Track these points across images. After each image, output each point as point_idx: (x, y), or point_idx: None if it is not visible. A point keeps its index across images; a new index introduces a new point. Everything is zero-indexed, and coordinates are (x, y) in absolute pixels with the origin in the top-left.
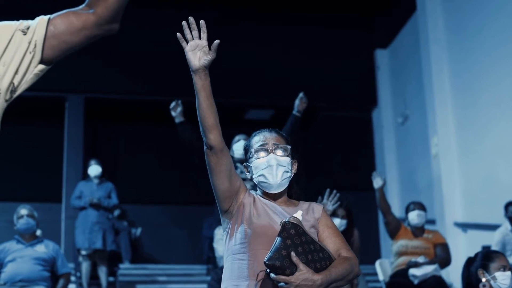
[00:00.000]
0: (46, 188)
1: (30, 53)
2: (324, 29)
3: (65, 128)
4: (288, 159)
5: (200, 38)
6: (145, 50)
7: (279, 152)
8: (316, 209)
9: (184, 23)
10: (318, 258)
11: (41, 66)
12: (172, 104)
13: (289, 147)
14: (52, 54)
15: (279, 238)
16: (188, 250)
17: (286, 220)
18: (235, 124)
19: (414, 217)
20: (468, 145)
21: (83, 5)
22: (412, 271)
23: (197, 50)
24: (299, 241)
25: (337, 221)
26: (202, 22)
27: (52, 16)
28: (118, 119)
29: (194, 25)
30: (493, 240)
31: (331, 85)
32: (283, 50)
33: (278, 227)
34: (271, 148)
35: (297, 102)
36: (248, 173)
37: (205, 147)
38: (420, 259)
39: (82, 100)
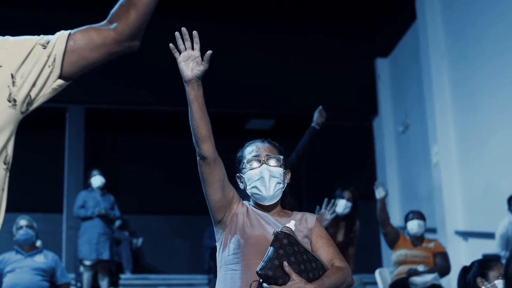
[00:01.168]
0: (47, 198)
1: (49, 67)
2: (325, 38)
3: (66, 139)
4: (280, 170)
5: (192, 48)
6: (146, 60)
7: (272, 162)
8: (310, 219)
9: (177, 33)
10: (311, 267)
11: (60, 81)
12: None
13: (281, 157)
14: (71, 69)
15: (271, 248)
16: (189, 260)
17: (279, 230)
18: (236, 133)
19: (413, 226)
20: (469, 153)
21: (105, 21)
22: (412, 279)
23: (190, 61)
24: (291, 251)
25: (342, 202)
26: (194, 32)
27: (72, 31)
28: (118, 130)
29: (187, 36)
30: (496, 231)
31: (332, 94)
32: (284, 59)
33: (271, 238)
34: (263, 159)
35: (316, 114)
36: (241, 184)
37: (198, 158)
38: (420, 268)
39: (83, 110)
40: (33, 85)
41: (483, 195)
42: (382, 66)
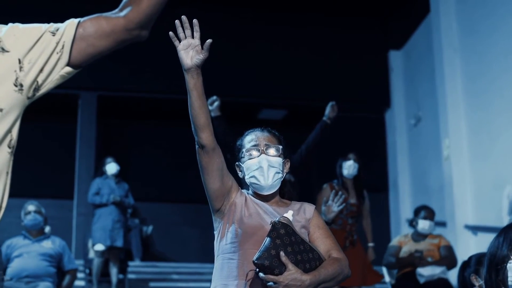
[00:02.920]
0: (58, 184)
1: (57, 53)
2: (339, 30)
3: (78, 126)
4: (279, 160)
5: (192, 37)
6: (158, 48)
7: (271, 152)
8: (308, 209)
9: (177, 21)
10: (308, 258)
11: (68, 69)
12: (210, 99)
13: (281, 147)
14: (80, 57)
15: (268, 237)
16: (199, 248)
17: (276, 219)
18: (248, 123)
19: (425, 226)
20: (480, 148)
21: (117, 9)
22: (420, 271)
23: (190, 49)
24: (288, 241)
25: (350, 162)
26: (195, 21)
27: (82, 19)
28: (130, 117)
29: (187, 24)
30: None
31: (345, 86)
32: (297, 51)
33: (268, 227)
34: (262, 148)
35: (328, 109)
36: (240, 173)
37: (196, 146)
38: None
39: (95, 97)
40: (41, 71)
41: (493, 189)
42: (395, 58)
